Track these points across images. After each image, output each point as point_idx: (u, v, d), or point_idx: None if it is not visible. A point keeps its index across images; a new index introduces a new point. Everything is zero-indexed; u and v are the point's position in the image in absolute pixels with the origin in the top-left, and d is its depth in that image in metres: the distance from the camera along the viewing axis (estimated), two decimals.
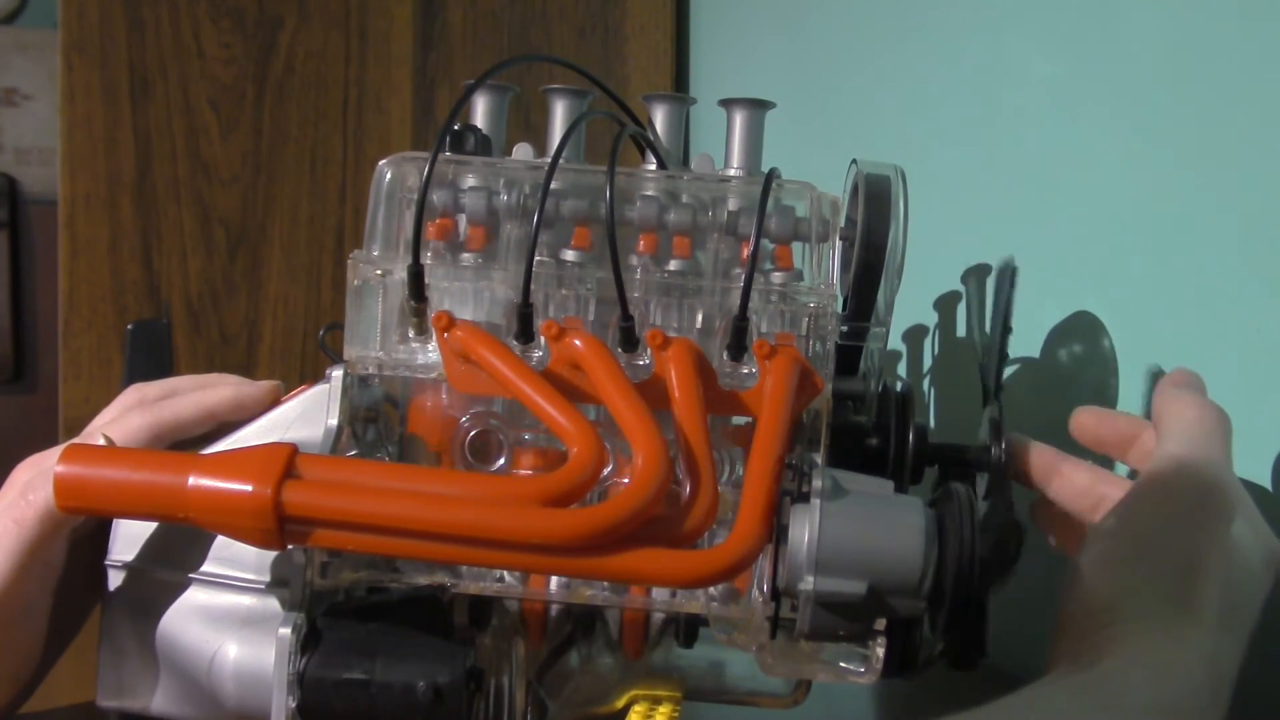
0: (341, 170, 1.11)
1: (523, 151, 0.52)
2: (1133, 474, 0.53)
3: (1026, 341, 0.68)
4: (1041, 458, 0.52)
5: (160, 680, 0.48)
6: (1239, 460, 0.47)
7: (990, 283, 0.60)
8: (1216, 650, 0.41)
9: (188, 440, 0.53)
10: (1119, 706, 0.38)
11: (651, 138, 0.54)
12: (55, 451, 0.49)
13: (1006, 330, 0.55)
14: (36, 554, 0.47)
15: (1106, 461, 0.56)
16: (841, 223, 0.50)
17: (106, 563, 0.49)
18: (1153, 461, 0.47)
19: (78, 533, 0.50)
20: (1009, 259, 0.58)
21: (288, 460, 0.41)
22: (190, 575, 0.48)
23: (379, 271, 0.48)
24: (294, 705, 0.44)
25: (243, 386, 0.53)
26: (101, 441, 0.48)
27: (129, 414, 0.51)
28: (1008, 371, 0.69)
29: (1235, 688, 0.41)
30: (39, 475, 0.48)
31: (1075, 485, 0.51)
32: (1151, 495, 0.46)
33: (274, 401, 0.53)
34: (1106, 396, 0.63)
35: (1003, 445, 0.51)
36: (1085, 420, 0.52)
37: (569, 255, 0.48)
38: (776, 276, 0.48)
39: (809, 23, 0.98)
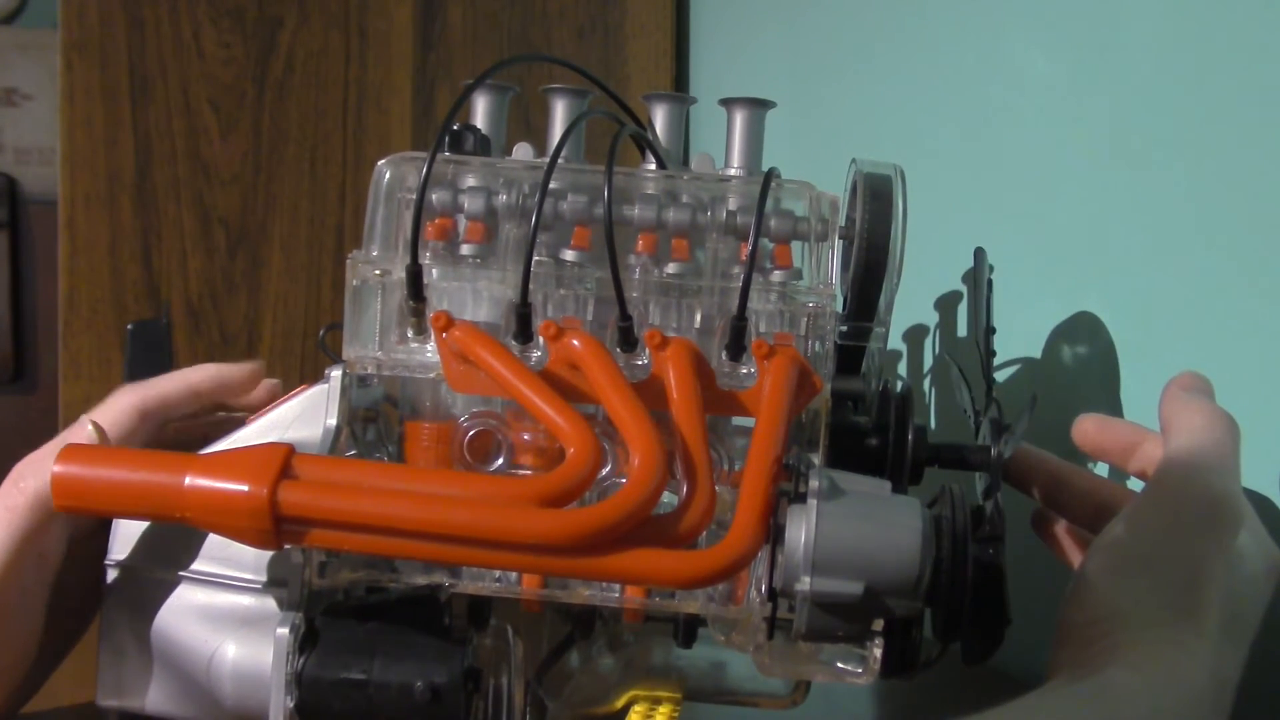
0: (341, 170, 1.11)
1: (523, 151, 0.52)
2: (1125, 478, 0.53)
3: (1027, 342, 0.68)
4: (1039, 465, 0.52)
5: (159, 679, 0.48)
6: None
7: (987, 280, 0.60)
8: (1219, 660, 0.41)
9: (190, 440, 0.53)
10: (1121, 715, 0.38)
11: (651, 137, 0.54)
12: (51, 446, 0.50)
13: (990, 330, 0.56)
14: (30, 542, 0.47)
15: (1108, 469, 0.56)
16: (841, 222, 0.50)
17: (106, 562, 0.49)
18: (1160, 468, 0.46)
19: (79, 530, 0.50)
20: (980, 256, 0.58)
21: (284, 460, 0.41)
22: (189, 575, 0.48)
23: (378, 271, 0.48)
24: (292, 705, 0.44)
25: (224, 366, 0.55)
26: (89, 428, 0.48)
27: (116, 395, 0.52)
28: (1009, 372, 0.69)
29: (1236, 697, 0.41)
30: (30, 464, 0.48)
31: (1073, 493, 0.51)
32: (1158, 504, 0.45)
33: (256, 382, 0.54)
34: (1108, 398, 0.63)
35: (1002, 446, 0.51)
36: (1087, 427, 0.52)
37: (568, 255, 0.48)
38: (776, 276, 0.48)
39: (809, 23, 0.98)
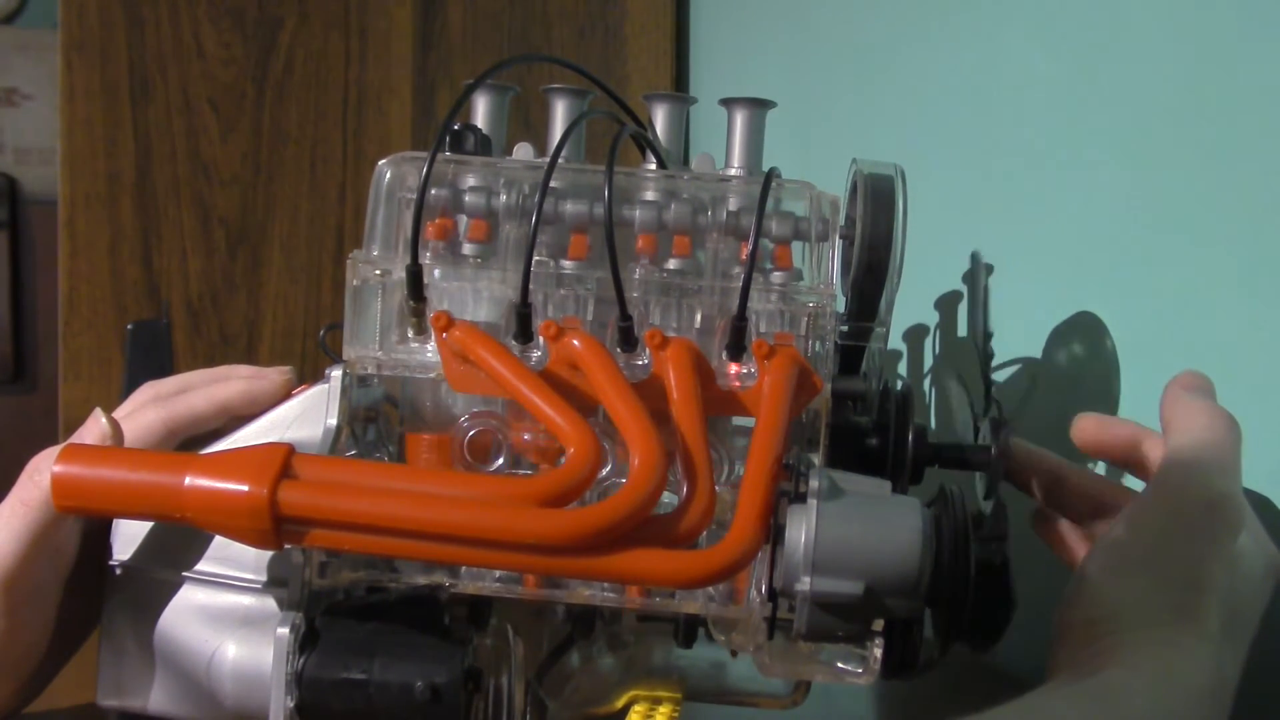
0: (341, 170, 1.11)
1: (523, 151, 0.52)
2: (1125, 478, 0.53)
3: (1027, 342, 0.68)
4: (1040, 463, 0.52)
5: (160, 679, 0.48)
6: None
7: (984, 285, 0.60)
8: (1219, 660, 0.41)
9: (201, 435, 0.53)
10: (1121, 715, 0.38)
11: (651, 137, 0.54)
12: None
13: (987, 335, 0.56)
14: (44, 535, 0.47)
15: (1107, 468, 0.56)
16: (841, 222, 0.50)
17: (108, 562, 0.49)
18: (1160, 468, 0.46)
19: (92, 525, 0.50)
20: (976, 259, 0.58)
21: (284, 460, 0.41)
22: (189, 575, 0.48)
23: (378, 271, 0.48)
24: (292, 705, 0.44)
25: (255, 381, 0.53)
26: (102, 420, 0.48)
27: (143, 410, 0.51)
28: (1009, 372, 0.69)
29: (1236, 697, 0.41)
30: (45, 459, 0.48)
31: (1073, 492, 0.51)
32: (1159, 504, 0.45)
33: (288, 394, 0.53)
34: (1108, 398, 0.63)
35: (1001, 445, 0.51)
36: (1086, 426, 0.52)
37: (566, 266, 0.48)
38: (776, 276, 0.48)
39: (809, 23, 0.98)
